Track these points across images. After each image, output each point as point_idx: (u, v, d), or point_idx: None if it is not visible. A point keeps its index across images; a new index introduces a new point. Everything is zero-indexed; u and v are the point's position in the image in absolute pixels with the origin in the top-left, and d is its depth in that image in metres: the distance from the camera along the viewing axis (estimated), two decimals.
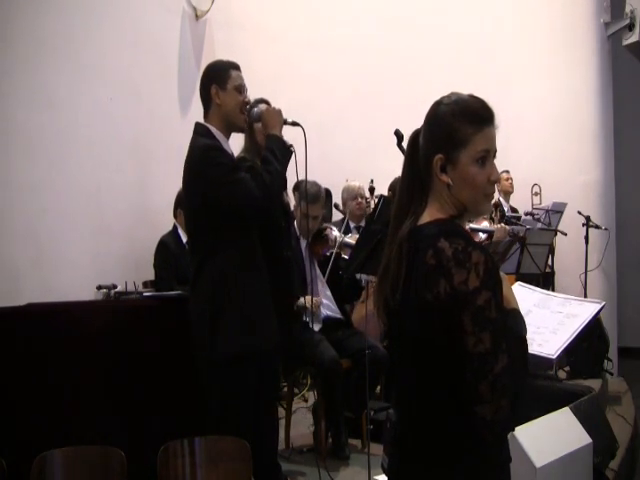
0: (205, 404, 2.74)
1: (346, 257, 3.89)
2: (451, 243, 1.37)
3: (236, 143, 3.05)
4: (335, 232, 3.98)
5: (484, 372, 1.32)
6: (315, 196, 3.88)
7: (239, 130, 2.93)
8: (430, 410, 1.42)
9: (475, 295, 1.33)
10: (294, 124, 2.95)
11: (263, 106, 2.98)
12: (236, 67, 2.88)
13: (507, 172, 6.43)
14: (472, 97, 1.50)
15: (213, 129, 2.80)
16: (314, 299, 3.82)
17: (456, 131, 1.44)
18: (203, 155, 2.71)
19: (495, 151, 1.48)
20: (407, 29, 6.59)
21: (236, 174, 2.71)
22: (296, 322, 3.71)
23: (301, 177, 3.07)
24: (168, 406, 2.92)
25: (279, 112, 2.92)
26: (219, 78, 2.82)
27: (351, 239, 3.89)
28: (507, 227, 4.79)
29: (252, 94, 3.25)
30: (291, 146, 2.93)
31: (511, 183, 6.49)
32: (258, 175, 2.72)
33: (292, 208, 3.92)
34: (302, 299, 3.75)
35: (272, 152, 2.80)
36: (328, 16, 6.49)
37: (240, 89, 2.85)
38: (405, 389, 1.51)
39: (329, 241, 3.96)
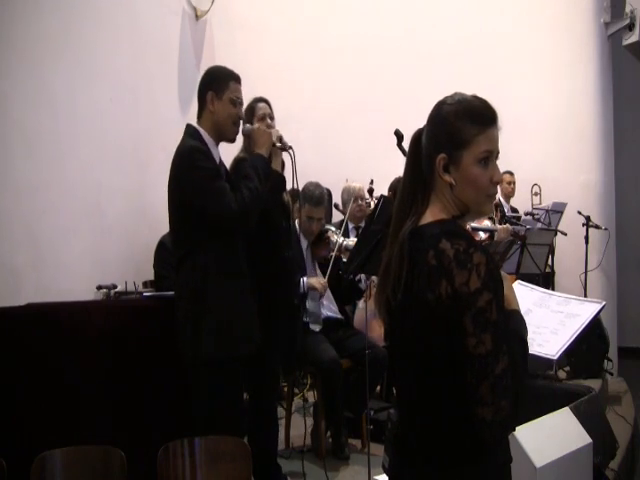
0: (191, 404, 2.76)
1: (345, 260, 3.91)
2: (452, 244, 1.37)
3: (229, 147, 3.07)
4: (336, 236, 4.00)
5: (485, 373, 1.32)
6: (319, 199, 3.95)
7: (228, 141, 2.95)
8: (430, 410, 1.42)
9: (476, 296, 1.33)
10: (282, 149, 3.05)
11: (256, 125, 3.04)
12: (237, 79, 2.89)
13: (511, 174, 6.39)
14: (475, 97, 1.50)
15: (203, 132, 2.83)
16: (321, 281, 3.85)
17: (459, 131, 1.44)
18: (187, 157, 2.72)
19: (498, 152, 1.48)
20: (407, 29, 6.59)
21: (216, 182, 2.71)
22: (298, 321, 3.71)
23: (299, 179, 3.12)
24: (168, 406, 2.92)
25: (269, 133, 2.97)
26: (217, 86, 2.84)
27: (351, 243, 3.91)
28: (510, 227, 4.79)
29: (252, 94, 3.28)
30: (283, 179, 3.07)
31: (513, 188, 6.47)
32: (238, 190, 2.73)
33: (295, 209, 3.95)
34: (311, 279, 3.80)
35: (255, 170, 2.82)
36: (328, 16, 6.50)
37: (235, 102, 2.87)
38: (405, 389, 1.51)
39: (330, 244, 3.99)
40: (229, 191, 2.71)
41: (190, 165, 2.70)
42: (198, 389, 2.74)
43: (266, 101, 3.33)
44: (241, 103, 2.93)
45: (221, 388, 2.71)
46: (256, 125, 3.05)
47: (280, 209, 3.25)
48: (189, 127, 2.86)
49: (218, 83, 2.85)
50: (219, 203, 2.68)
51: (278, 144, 3.03)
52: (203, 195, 2.68)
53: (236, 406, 2.80)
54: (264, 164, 2.89)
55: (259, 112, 3.25)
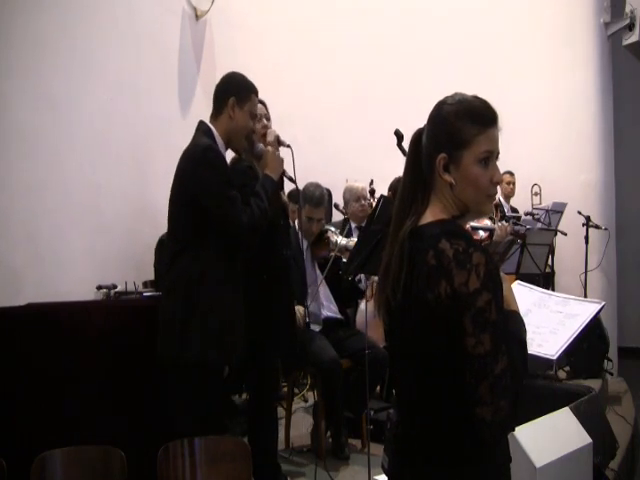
0: (168, 404, 2.74)
1: (345, 260, 3.91)
2: (452, 244, 1.37)
3: None
4: (336, 236, 4.00)
5: (484, 373, 1.32)
6: (319, 199, 3.96)
7: (234, 150, 2.96)
8: (430, 410, 1.42)
9: (475, 296, 1.33)
10: (291, 179, 3.14)
11: (270, 148, 3.02)
12: (257, 93, 2.91)
13: (511, 174, 6.40)
14: (476, 98, 1.50)
15: (216, 134, 2.81)
16: (300, 310, 3.73)
17: (459, 131, 1.45)
18: (203, 154, 2.70)
19: (498, 152, 1.49)
20: (407, 29, 6.60)
21: (230, 190, 2.70)
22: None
23: (297, 179, 3.18)
24: (168, 406, 2.92)
25: (281, 160, 2.98)
26: (241, 94, 2.83)
27: (351, 243, 3.91)
28: (508, 225, 4.78)
29: None
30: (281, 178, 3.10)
31: (512, 188, 6.48)
32: (248, 205, 2.73)
33: (294, 210, 3.96)
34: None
35: (265, 191, 2.83)
36: (328, 16, 6.50)
37: (253, 116, 2.89)
38: (405, 389, 1.51)
39: (330, 244, 4.00)
40: (240, 202, 2.71)
41: (205, 164, 2.68)
42: (180, 389, 2.70)
43: (262, 102, 3.32)
44: (257, 118, 2.94)
45: (203, 391, 2.67)
46: (269, 147, 3.02)
47: (279, 208, 3.25)
48: (203, 124, 2.83)
49: (241, 92, 2.84)
50: (230, 211, 2.67)
51: (276, 144, 3.04)
52: (215, 198, 2.67)
53: (217, 408, 2.77)
54: (274, 188, 2.90)
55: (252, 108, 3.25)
